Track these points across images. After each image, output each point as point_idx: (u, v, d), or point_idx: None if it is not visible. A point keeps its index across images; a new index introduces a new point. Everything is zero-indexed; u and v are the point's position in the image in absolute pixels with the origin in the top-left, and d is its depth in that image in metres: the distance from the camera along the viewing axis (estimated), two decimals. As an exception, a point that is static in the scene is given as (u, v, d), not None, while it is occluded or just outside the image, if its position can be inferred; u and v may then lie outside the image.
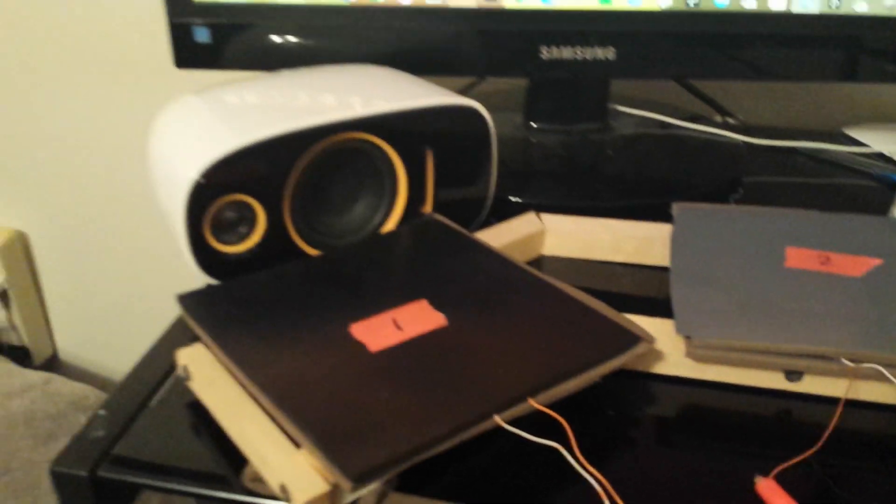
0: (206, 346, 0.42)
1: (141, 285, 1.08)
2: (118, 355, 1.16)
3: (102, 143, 1.01)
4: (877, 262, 0.47)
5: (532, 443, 0.36)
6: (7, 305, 1.11)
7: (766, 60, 0.63)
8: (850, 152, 0.72)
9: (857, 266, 0.47)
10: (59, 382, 0.79)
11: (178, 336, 0.47)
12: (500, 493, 0.36)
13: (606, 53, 0.62)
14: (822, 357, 0.40)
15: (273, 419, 0.37)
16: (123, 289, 1.10)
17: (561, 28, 0.62)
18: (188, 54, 0.63)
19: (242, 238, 0.47)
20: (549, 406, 0.37)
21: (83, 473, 0.38)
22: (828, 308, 0.43)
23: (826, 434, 0.38)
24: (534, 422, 0.37)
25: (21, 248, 1.11)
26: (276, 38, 0.63)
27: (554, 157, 0.68)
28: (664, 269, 0.52)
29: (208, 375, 0.40)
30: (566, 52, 0.62)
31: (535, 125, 0.71)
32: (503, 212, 0.57)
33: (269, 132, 0.46)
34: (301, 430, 0.35)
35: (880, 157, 0.71)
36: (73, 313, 1.16)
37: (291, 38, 0.62)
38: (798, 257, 0.48)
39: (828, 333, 0.41)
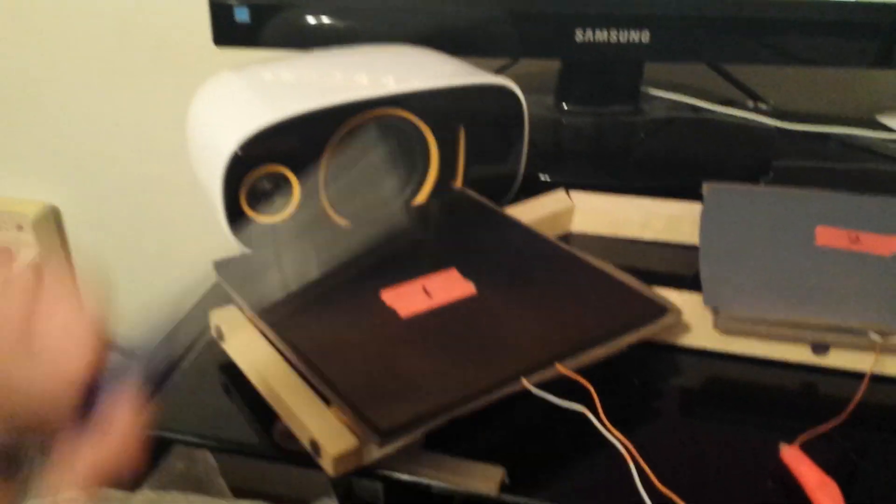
0: (240, 308, 0.43)
1: (171, 261, 1.10)
2: (144, 329, 1.18)
3: (134, 120, 1.03)
4: (908, 241, 0.47)
5: (558, 407, 0.37)
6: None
7: (800, 46, 0.63)
8: (881, 139, 0.71)
9: (886, 245, 0.47)
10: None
11: (212, 302, 0.48)
12: (525, 455, 0.37)
13: (641, 37, 0.63)
14: (850, 331, 0.41)
15: (304, 378, 0.38)
16: (153, 263, 1.12)
17: (596, 10, 0.62)
18: (227, 33, 0.64)
19: (277, 209, 0.48)
20: (576, 373, 0.38)
21: (118, 428, 0.39)
22: (857, 285, 0.43)
23: (852, 406, 0.38)
24: (560, 387, 0.37)
25: (53, 222, 1.13)
26: (313, 19, 0.64)
27: (585, 139, 0.69)
28: (693, 247, 0.52)
29: (241, 336, 0.41)
30: (600, 35, 0.63)
31: (566, 107, 0.72)
32: (533, 190, 0.57)
33: (306, 107, 0.47)
34: (331, 387, 0.36)
35: (914, 143, 0.71)
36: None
37: (328, 19, 0.64)
38: (828, 236, 0.48)
39: (856, 308, 0.41)
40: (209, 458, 0.80)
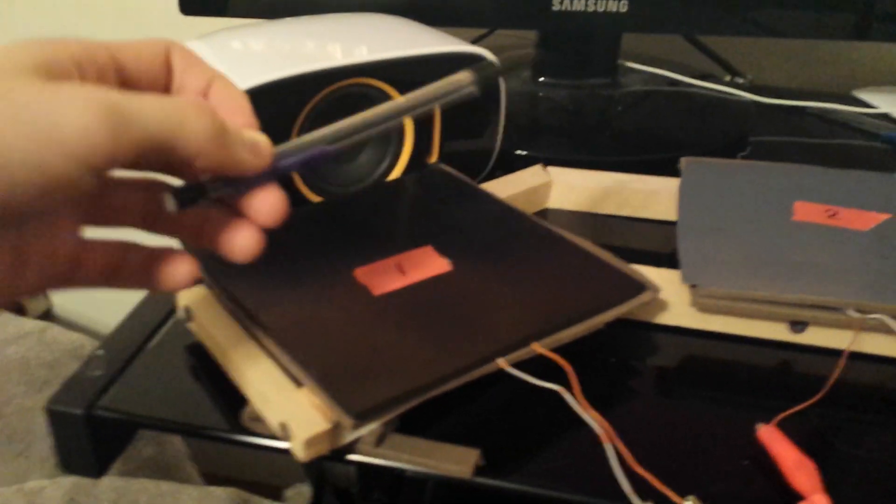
0: (208, 287, 0.41)
1: (135, 237, 1.08)
2: (112, 310, 1.16)
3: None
4: (885, 216, 0.47)
5: (534, 387, 0.36)
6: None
7: (777, 18, 0.62)
8: (858, 113, 0.71)
9: (864, 220, 0.46)
10: (55, 331, 0.79)
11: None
12: (501, 436, 0.36)
13: (619, 6, 0.61)
14: (828, 308, 0.40)
15: (274, 359, 0.37)
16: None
17: (573, -21, 0.61)
18: (193, 0, 0.62)
19: (246, 183, 0.47)
20: (553, 352, 0.37)
21: (79, 412, 0.37)
22: (835, 260, 0.43)
23: (829, 384, 0.38)
24: (537, 367, 0.37)
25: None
26: (282, -14, 0.62)
27: (562, 112, 0.68)
28: (671, 224, 0.51)
29: (209, 316, 0.40)
30: (578, 4, 0.61)
31: (543, 80, 0.70)
32: (509, 165, 0.56)
33: (275, 76, 0.45)
34: (303, 368, 0.35)
35: (888, 118, 0.71)
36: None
37: (298, -14, 0.62)
38: (806, 211, 0.48)
39: (834, 285, 0.41)
40: (179, 444, 0.79)
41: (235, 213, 0.32)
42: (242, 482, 1.10)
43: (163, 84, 0.32)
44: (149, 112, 0.27)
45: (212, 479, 0.89)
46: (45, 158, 0.25)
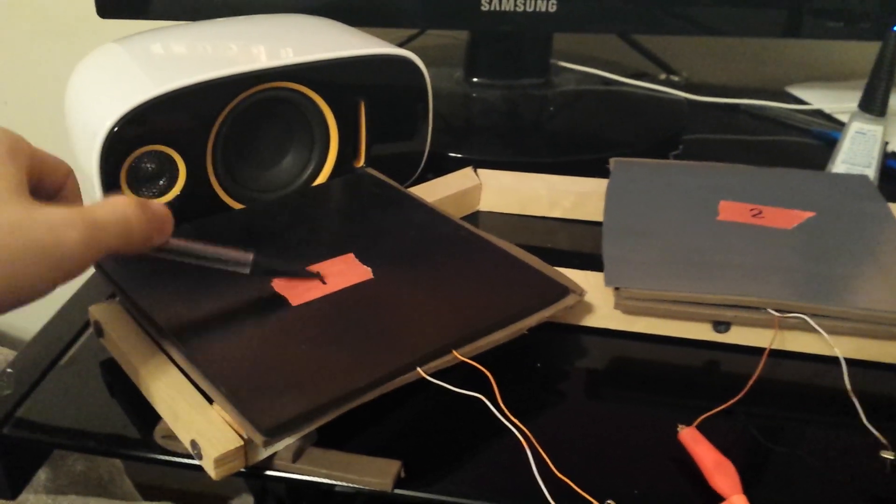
0: (120, 300, 0.40)
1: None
2: (42, 318, 1.12)
3: (15, 97, 0.96)
4: (809, 214, 0.47)
5: (456, 395, 0.36)
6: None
7: (710, 16, 0.63)
8: (791, 109, 0.72)
9: (788, 219, 0.47)
10: (-25, 344, 0.76)
11: (92, 292, 0.45)
12: (423, 446, 0.35)
13: (548, 6, 0.61)
14: (750, 307, 0.40)
15: (186, 375, 0.36)
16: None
17: (501, -22, 0.60)
18: (111, 2, 0.60)
19: (162, 191, 0.45)
20: (477, 358, 0.37)
21: (-14, 432, 0.36)
22: (757, 260, 0.43)
23: (750, 383, 0.38)
24: (460, 374, 0.36)
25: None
26: (206, -13, 0.60)
27: (494, 113, 0.67)
28: (601, 225, 0.51)
29: (119, 331, 0.38)
30: (507, 4, 0.61)
31: (476, 80, 0.70)
32: (442, 168, 0.56)
33: (191, 80, 0.44)
34: (212, 383, 0.33)
35: (821, 114, 0.71)
36: None
37: (222, -13, 0.60)
38: (731, 210, 0.48)
39: (756, 284, 0.41)
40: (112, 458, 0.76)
41: None
42: (185, 493, 1.07)
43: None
44: (109, 220, 0.31)
45: (152, 491, 0.87)
46: (44, 274, 0.29)
